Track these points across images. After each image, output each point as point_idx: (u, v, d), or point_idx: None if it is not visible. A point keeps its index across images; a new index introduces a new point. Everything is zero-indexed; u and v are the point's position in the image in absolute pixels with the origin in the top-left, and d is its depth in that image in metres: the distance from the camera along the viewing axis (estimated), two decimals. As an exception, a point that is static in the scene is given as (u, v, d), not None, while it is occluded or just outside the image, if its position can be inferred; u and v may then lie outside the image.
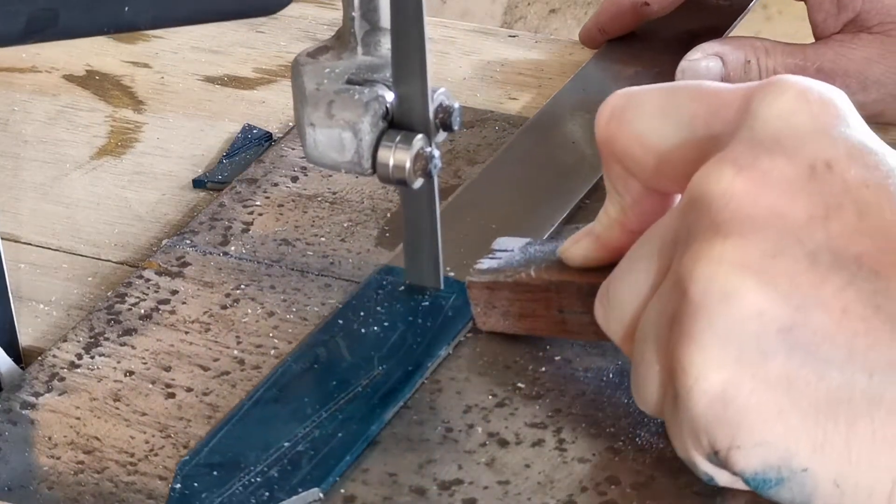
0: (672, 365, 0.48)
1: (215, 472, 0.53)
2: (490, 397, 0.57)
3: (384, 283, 0.63)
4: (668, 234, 0.50)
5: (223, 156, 0.76)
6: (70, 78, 0.85)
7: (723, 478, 0.50)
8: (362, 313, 0.61)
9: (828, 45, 0.74)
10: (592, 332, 0.56)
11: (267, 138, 0.77)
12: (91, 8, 0.48)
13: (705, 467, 0.49)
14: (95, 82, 0.85)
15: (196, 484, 0.52)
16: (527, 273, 0.58)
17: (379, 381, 0.57)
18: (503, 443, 0.55)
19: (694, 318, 0.47)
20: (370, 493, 0.53)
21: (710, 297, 0.47)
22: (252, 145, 0.77)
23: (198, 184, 0.73)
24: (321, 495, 0.52)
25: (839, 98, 0.50)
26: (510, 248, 0.60)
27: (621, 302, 0.52)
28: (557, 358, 0.59)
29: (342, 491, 0.53)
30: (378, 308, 0.61)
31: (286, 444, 0.54)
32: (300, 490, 0.52)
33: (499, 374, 0.58)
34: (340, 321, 0.60)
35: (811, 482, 0.47)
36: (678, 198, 0.55)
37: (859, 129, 0.49)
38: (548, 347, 0.59)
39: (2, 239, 0.59)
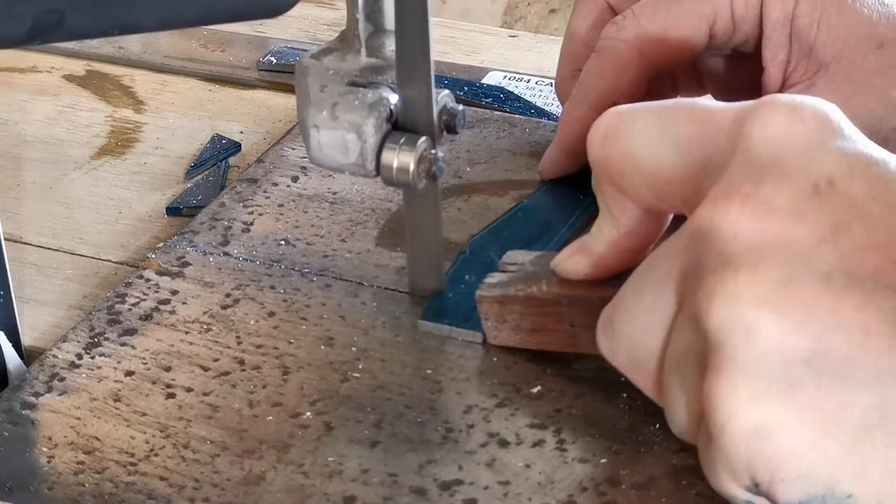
0: (702, 404, 0.47)
1: None
2: (490, 397, 0.57)
3: None
4: (674, 267, 0.49)
5: (190, 166, 0.76)
6: (70, 78, 0.85)
7: None
8: None
9: None
10: None
11: (235, 148, 0.77)
12: (97, 10, 0.48)
13: (745, 497, 0.48)
14: (95, 82, 0.85)
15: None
16: (538, 287, 0.57)
17: None
18: (503, 443, 0.55)
19: (717, 357, 0.46)
20: (370, 493, 0.53)
21: (729, 335, 0.46)
22: (221, 155, 0.76)
23: (172, 211, 0.72)
24: None
25: (833, 112, 0.49)
26: (521, 261, 0.59)
27: (629, 336, 0.51)
28: (558, 358, 0.59)
29: (342, 491, 0.53)
30: None
31: None
32: None
33: (499, 375, 0.58)
34: None
35: None
36: (670, 217, 0.54)
37: (858, 141, 0.48)
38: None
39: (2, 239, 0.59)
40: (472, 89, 0.81)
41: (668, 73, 0.71)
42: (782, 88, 0.67)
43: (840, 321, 0.45)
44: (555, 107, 0.80)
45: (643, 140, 0.52)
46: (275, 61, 0.85)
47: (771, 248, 0.46)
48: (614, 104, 0.57)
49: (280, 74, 0.84)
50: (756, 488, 0.47)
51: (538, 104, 0.80)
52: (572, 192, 0.70)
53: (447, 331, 0.61)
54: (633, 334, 0.51)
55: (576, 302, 0.57)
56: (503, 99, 0.80)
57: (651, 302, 0.50)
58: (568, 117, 0.70)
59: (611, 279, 0.55)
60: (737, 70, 0.71)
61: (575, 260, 0.56)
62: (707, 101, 0.52)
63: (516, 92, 0.81)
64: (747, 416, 0.46)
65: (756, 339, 0.46)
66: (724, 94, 0.72)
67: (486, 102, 0.80)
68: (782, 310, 0.45)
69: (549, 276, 0.57)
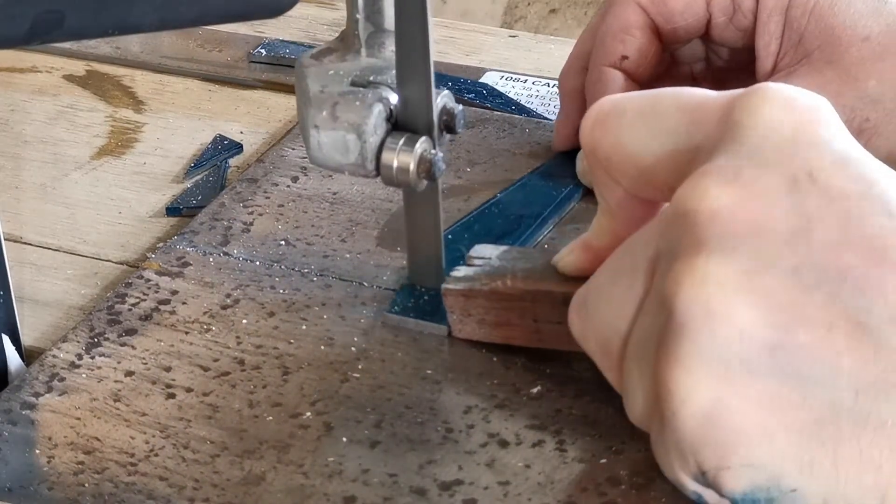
0: (657, 386, 0.47)
1: None
2: (490, 398, 0.57)
3: None
4: (650, 249, 0.49)
5: (190, 166, 0.76)
6: (70, 78, 0.85)
7: (712, 497, 0.48)
8: None
9: None
10: (567, 342, 0.54)
11: (237, 148, 0.77)
12: (96, 10, 0.48)
13: (693, 487, 0.48)
14: (95, 82, 0.85)
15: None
16: (503, 282, 0.58)
17: None
18: (503, 443, 0.55)
19: (678, 339, 0.46)
20: (370, 493, 0.53)
21: (693, 318, 0.46)
22: (222, 155, 0.76)
23: (172, 211, 0.72)
24: None
25: (824, 107, 0.49)
26: (487, 255, 0.60)
27: (601, 317, 0.51)
28: (558, 358, 0.59)
29: (342, 491, 0.53)
30: None
31: None
32: None
33: (499, 375, 0.58)
34: None
35: (801, 502, 0.46)
36: (666, 205, 0.54)
37: (843, 139, 0.48)
38: (548, 348, 0.59)
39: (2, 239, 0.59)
40: (455, 86, 0.81)
41: (686, 69, 0.72)
42: (771, 76, 0.68)
43: (805, 315, 0.45)
44: (550, 107, 0.80)
45: (632, 127, 0.52)
46: (265, 53, 0.85)
47: (745, 235, 0.46)
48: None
49: (276, 74, 0.84)
50: (703, 477, 0.47)
51: (535, 105, 0.80)
52: (546, 189, 0.70)
53: (413, 324, 0.61)
54: (605, 317, 0.51)
55: (539, 298, 0.57)
56: (485, 95, 0.80)
57: (626, 284, 0.50)
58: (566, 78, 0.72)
59: (578, 277, 0.55)
60: (745, 67, 0.72)
61: (574, 255, 0.57)
62: (699, 89, 0.52)
63: (514, 92, 0.81)
64: (701, 400, 0.46)
65: (719, 325, 0.45)
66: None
67: (469, 98, 0.80)
68: (748, 297, 0.45)
69: (515, 271, 0.58)
